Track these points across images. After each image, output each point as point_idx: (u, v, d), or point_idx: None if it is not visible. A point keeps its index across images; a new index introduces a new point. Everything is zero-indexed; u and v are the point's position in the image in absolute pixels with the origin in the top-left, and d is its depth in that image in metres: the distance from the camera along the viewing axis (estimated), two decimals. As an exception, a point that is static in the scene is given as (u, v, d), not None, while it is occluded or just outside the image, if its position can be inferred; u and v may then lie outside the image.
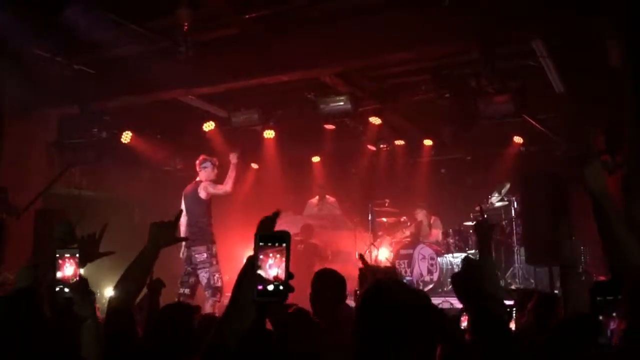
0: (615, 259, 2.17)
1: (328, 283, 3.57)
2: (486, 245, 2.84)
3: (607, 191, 2.29)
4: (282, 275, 1.62)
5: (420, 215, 10.42)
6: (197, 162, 7.81)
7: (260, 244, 1.63)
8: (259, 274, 1.61)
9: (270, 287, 1.61)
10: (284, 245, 1.64)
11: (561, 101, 8.32)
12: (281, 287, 1.61)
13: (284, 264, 1.63)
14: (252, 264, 1.62)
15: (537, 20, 6.02)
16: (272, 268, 1.62)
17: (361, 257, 4.02)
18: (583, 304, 3.01)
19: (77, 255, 2.45)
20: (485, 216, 3.63)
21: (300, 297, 2.68)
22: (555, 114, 9.02)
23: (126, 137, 8.78)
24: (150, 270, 2.71)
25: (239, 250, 8.59)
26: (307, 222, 10.49)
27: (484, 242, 2.91)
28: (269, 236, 1.65)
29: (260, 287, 1.60)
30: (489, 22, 6.16)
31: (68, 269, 2.41)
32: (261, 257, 1.62)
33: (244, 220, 8.61)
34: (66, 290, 2.39)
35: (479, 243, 2.99)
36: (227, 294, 8.41)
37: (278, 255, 1.63)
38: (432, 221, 10.39)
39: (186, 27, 6.21)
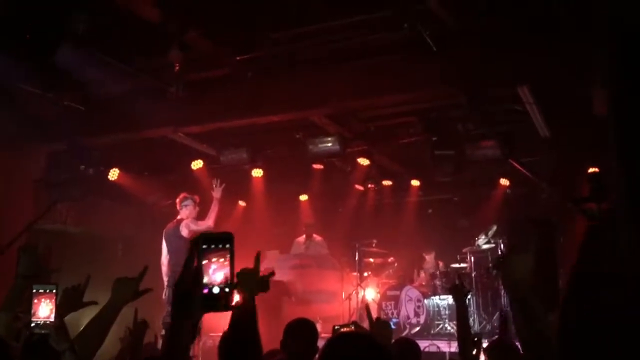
0: None
1: (301, 334, 3.50)
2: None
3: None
4: (228, 278, 1.57)
5: (428, 257, 10.36)
6: (178, 200, 7.80)
7: (204, 246, 1.58)
8: (203, 279, 1.56)
9: (216, 290, 1.56)
10: (228, 246, 1.60)
11: (546, 146, 8.44)
12: (227, 290, 1.57)
13: (228, 267, 1.58)
14: (189, 269, 1.57)
15: (523, 69, 6.15)
16: (217, 272, 1.57)
17: (367, 309, 3.95)
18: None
19: (55, 291, 2.41)
20: (460, 280, 3.66)
21: (268, 339, 2.61)
22: (540, 158, 9.13)
23: (113, 174, 8.74)
24: (110, 326, 2.69)
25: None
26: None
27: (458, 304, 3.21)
28: (211, 238, 1.60)
29: (205, 291, 1.56)
30: (476, 69, 6.28)
31: (44, 308, 2.37)
32: (204, 262, 1.57)
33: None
34: (40, 324, 2.34)
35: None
36: (211, 334, 8.29)
37: (222, 259, 1.58)
38: (440, 267, 10.31)
39: (177, 68, 6.28)
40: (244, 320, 2.05)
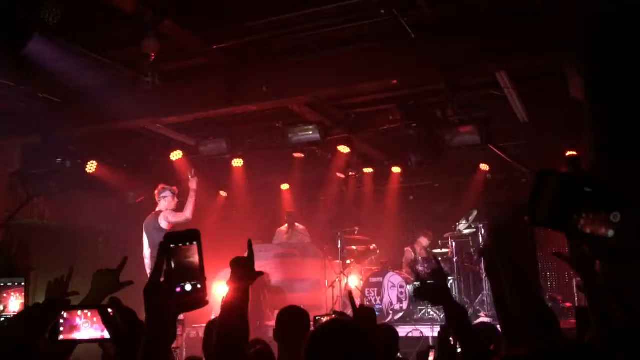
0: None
1: (294, 321, 3.52)
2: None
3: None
4: (199, 274, 1.59)
5: (424, 241, 10.32)
6: (156, 191, 7.72)
7: (171, 245, 1.59)
8: (175, 275, 1.57)
9: (188, 288, 1.57)
10: (195, 243, 1.61)
11: (525, 130, 8.50)
12: (199, 286, 1.58)
13: (198, 263, 1.59)
14: (159, 271, 1.57)
15: (500, 54, 6.17)
16: (187, 269, 1.58)
17: (350, 296, 3.94)
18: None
19: (23, 284, 2.35)
20: (438, 264, 3.65)
21: (252, 330, 2.61)
22: (519, 143, 9.20)
23: (91, 166, 8.62)
24: None
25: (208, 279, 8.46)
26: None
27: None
28: (178, 237, 1.61)
29: (178, 290, 1.57)
30: (454, 55, 6.28)
31: (14, 302, 2.31)
32: (173, 259, 1.58)
33: (213, 249, 8.44)
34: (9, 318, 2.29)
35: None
36: (195, 325, 8.26)
37: (190, 256, 1.60)
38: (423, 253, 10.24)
39: (153, 57, 6.18)
40: (235, 309, 2.04)
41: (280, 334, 3.50)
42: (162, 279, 1.57)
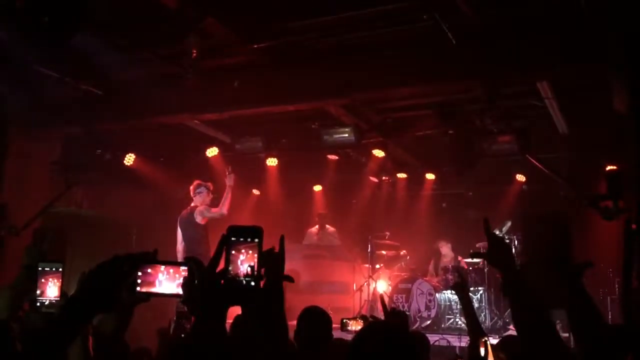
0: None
1: (316, 319, 3.48)
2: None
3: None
4: (254, 271, 1.59)
5: (445, 248, 10.23)
6: (192, 187, 7.84)
7: (232, 238, 1.59)
8: (230, 270, 1.57)
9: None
10: (257, 241, 1.60)
11: (564, 142, 8.33)
12: (253, 283, 1.58)
13: (255, 261, 1.59)
14: (217, 261, 1.57)
15: (543, 63, 6.06)
16: (244, 264, 1.58)
17: (382, 300, 3.88)
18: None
19: (61, 269, 2.38)
20: (461, 277, 3.66)
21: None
22: (557, 155, 9.03)
23: (129, 159, 8.78)
24: None
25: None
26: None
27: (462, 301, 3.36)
28: (240, 231, 1.61)
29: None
30: (494, 63, 6.20)
31: (51, 287, 2.34)
32: (233, 252, 1.57)
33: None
34: (46, 303, 2.32)
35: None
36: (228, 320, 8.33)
37: (250, 251, 1.59)
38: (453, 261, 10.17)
39: (194, 55, 6.27)
40: (267, 305, 1.99)
41: (302, 331, 3.45)
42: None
